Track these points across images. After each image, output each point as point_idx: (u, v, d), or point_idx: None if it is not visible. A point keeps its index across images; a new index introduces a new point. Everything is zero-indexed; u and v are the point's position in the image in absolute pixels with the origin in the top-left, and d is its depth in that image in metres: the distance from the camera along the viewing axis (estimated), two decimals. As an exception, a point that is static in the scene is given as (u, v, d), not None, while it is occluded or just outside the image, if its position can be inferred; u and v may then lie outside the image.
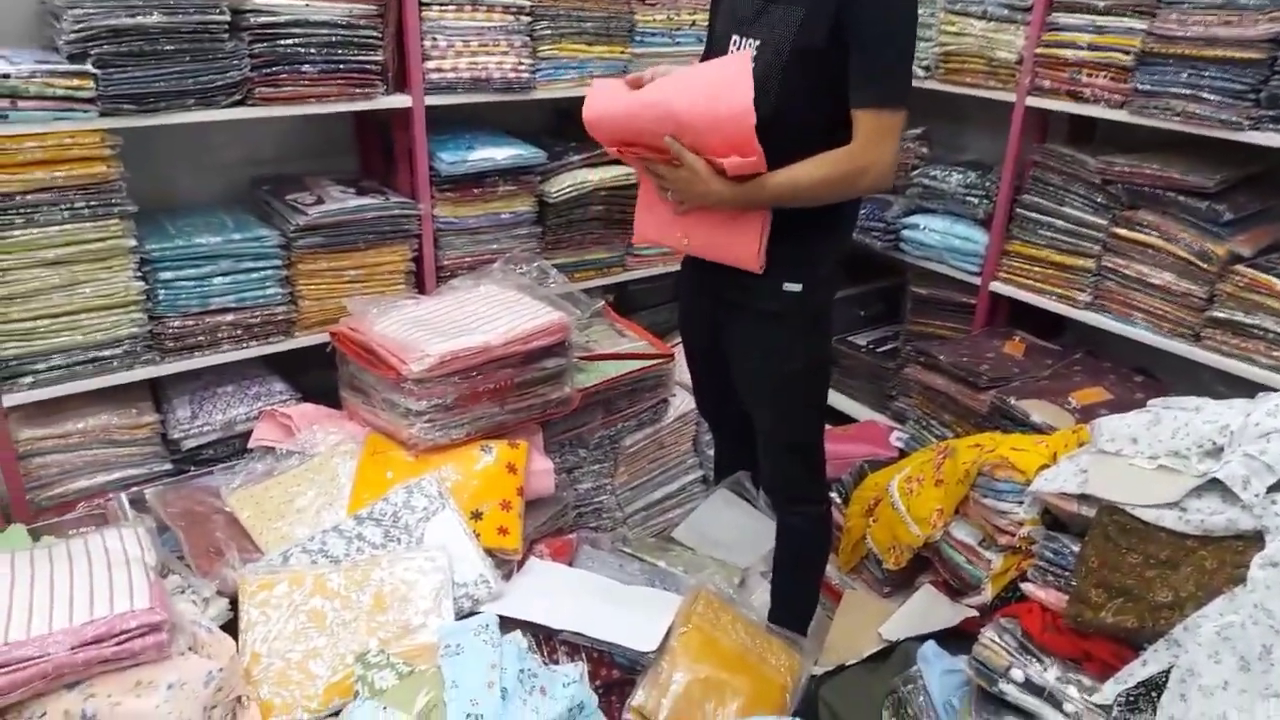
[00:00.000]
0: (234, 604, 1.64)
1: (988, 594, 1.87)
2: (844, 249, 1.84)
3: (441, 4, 2.18)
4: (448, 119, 2.35)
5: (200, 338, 2.07)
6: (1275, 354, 2.12)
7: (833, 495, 2.43)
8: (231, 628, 1.60)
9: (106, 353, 1.97)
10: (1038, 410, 2.27)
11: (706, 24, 1.91)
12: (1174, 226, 2.27)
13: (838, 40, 1.56)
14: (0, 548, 1.63)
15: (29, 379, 1.91)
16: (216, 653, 1.48)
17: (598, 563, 2.00)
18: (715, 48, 1.78)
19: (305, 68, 2.01)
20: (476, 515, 1.86)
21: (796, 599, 2.06)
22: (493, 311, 2.05)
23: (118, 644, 1.36)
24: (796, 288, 1.71)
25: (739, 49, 1.66)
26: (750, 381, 1.87)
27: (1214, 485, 1.39)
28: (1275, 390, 1.83)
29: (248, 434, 2.09)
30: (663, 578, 2.03)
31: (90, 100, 1.80)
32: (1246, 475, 1.35)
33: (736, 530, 2.32)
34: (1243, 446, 1.40)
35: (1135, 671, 1.35)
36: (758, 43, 1.63)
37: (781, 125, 1.59)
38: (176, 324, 2.03)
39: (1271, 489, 1.33)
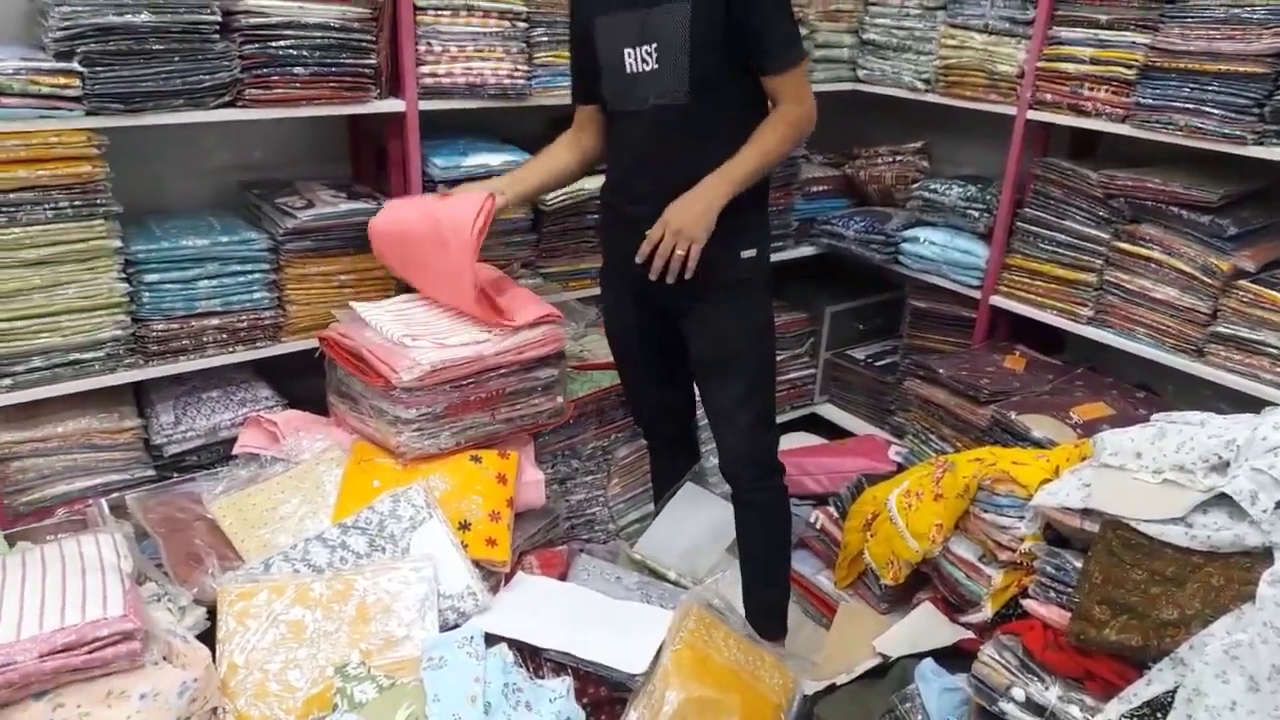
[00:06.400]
0: (212, 613, 1.60)
1: (987, 611, 1.83)
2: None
3: (437, 9, 2.15)
4: (443, 125, 2.32)
5: (185, 341, 2.03)
6: (1279, 370, 2.09)
7: (829, 509, 2.39)
8: (209, 637, 1.55)
9: (88, 355, 1.92)
10: (1038, 425, 2.23)
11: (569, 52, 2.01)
12: (1177, 241, 2.25)
13: (731, 26, 1.71)
14: (-27, 553, 1.58)
15: (8, 381, 1.86)
16: (191, 662, 1.44)
17: (593, 575, 1.96)
18: (609, 70, 1.83)
19: (297, 70, 1.98)
20: (464, 526, 1.81)
21: (772, 584, 2.08)
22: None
23: (88, 652, 1.32)
24: (752, 253, 1.87)
25: (635, 59, 1.78)
26: (721, 356, 1.92)
27: (1221, 500, 1.36)
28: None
29: (232, 440, 2.05)
30: (659, 591, 1.98)
31: (77, 99, 1.76)
32: (1254, 490, 1.32)
33: (700, 531, 2.27)
34: (1250, 461, 1.37)
35: (1140, 691, 1.31)
36: (655, 45, 1.74)
37: (703, 114, 1.75)
38: (160, 327, 1.99)
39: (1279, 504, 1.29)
